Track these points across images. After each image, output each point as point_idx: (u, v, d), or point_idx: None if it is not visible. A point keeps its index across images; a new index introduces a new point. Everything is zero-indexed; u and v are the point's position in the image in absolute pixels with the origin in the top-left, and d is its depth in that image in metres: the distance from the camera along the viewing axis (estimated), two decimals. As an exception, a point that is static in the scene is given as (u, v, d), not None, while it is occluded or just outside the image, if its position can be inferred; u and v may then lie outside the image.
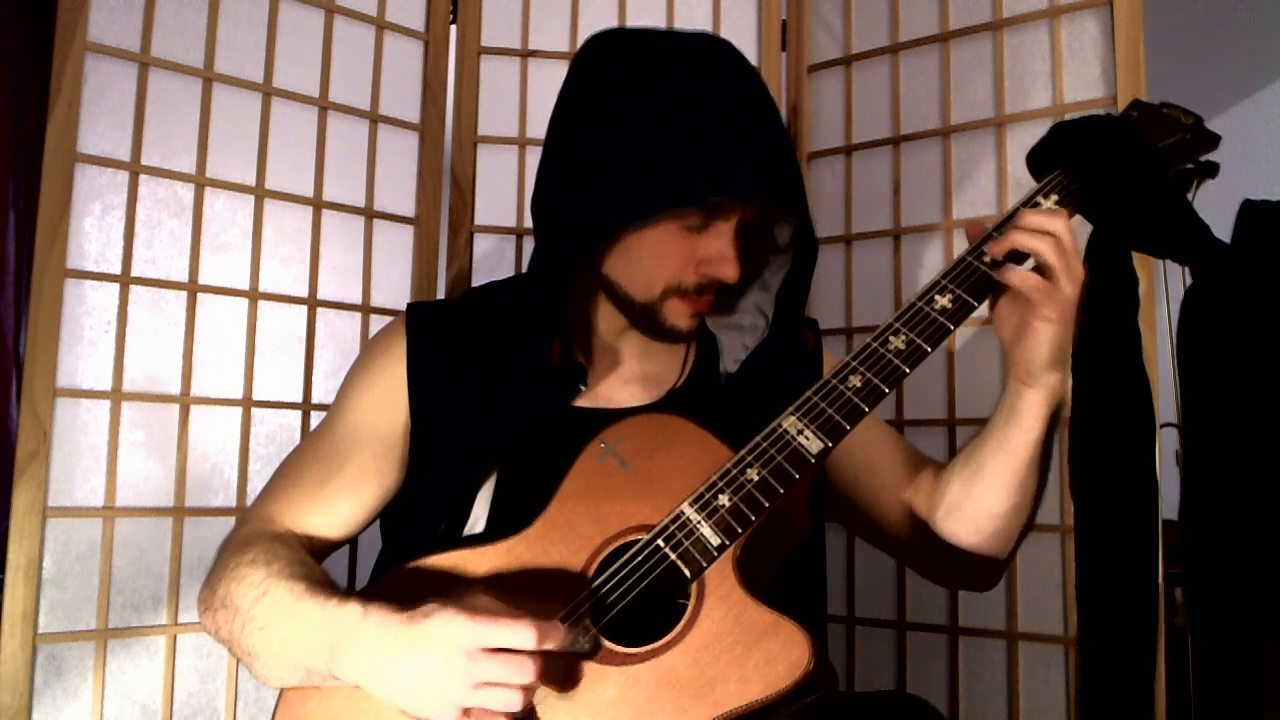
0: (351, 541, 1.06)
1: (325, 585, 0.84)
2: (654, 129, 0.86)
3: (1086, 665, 0.88)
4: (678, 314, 0.95)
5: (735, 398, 1.02)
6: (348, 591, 0.83)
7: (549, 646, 0.75)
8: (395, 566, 0.88)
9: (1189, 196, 0.93)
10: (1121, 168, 0.89)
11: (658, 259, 0.92)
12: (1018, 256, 0.87)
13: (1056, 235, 0.84)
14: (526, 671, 0.73)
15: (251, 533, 0.92)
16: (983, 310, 0.89)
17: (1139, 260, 0.94)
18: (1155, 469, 0.88)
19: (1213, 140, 0.94)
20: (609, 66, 0.92)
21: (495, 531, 0.90)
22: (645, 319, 0.96)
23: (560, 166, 0.94)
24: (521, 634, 0.74)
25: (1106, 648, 0.87)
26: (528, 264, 1.06)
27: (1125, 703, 0.86)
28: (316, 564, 0.91)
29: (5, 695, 1.16)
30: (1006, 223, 0.88)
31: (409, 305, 1.06)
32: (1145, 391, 0.90)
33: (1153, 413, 0.91)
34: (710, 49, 0.93)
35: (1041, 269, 0.85)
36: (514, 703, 0.74)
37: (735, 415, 0.90)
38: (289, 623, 0.82)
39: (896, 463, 1.05)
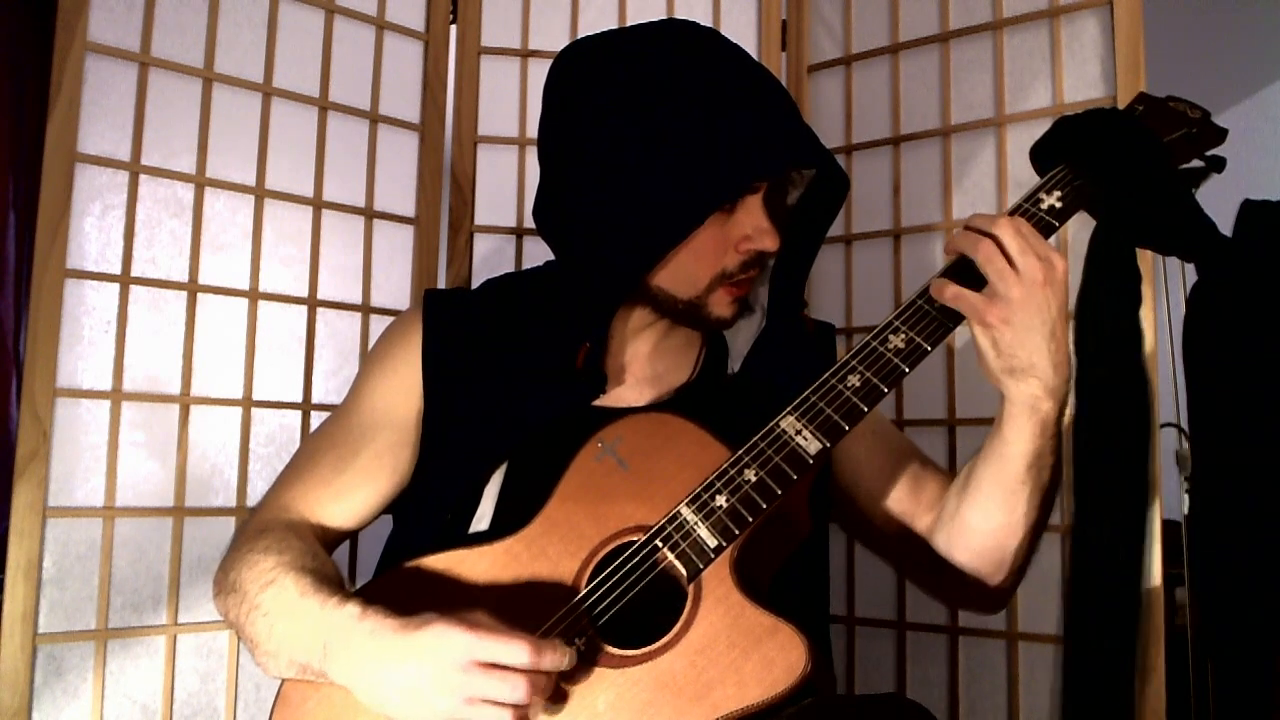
0: (354, 535, 1.05)
1: (331, 582, 0.84)
2: (679, 131, 0.86)
3: (1071, 663, 0.87)
4: (721, 303, 0.94)
5: (745, 395, 1.00)
6: (350, 591, 0.83)
7: (546, 666, 0.73)
8: (396, 564, 0.88)
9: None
10: (1126, 162, 0.87)
11: (699, 255, 0.91)
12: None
13: (994, 235, 0.80)
14: (520, 690, 0.72)
15: (267, 520, 0.93)
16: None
17: (1138, 259, 0.93)
18: (1149, 469, 0.87)
19: (1219, 134, 0.92)
20: (608, 74, 0.91)
21: (499, 527, 0.90)
22: (689, 314, 0.95)
23: (586, 183, 0.91)
24: (518, 650, 0.72)
25: (1091, 646, 0.86)
26: (559, 270, 1.03)
27: (1108, 701, 0.85)
28: (328, 557, 0.91)
29: (5, 695, 1.16)
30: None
31: (426, 291, 1.06)
32: (1144, 390, 0.89)
33: (1150, 412, 0.90)
34: (691, 33, 0.93)
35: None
36: None
37: (745, 412, 0.88)
38: (289, 615, 0.82)
39: (898, 470, 1.02)
